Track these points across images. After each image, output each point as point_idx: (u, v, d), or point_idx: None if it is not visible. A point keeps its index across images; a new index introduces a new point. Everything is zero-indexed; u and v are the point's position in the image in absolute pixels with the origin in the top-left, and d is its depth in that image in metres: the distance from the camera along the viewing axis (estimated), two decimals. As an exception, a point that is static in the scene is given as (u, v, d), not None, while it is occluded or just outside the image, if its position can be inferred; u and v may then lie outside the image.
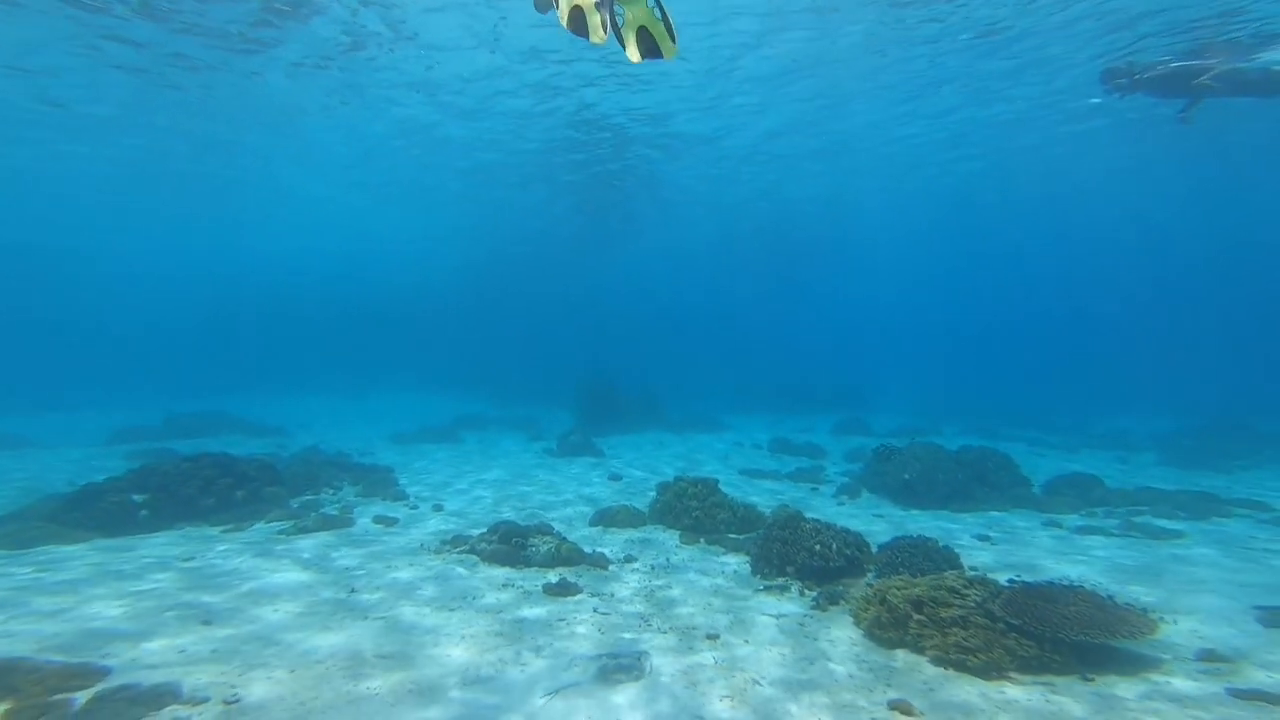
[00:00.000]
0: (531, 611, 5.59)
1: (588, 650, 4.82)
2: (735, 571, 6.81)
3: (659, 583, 6.42)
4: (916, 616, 4.91)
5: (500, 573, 6.61)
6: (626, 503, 9.51)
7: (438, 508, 9.57)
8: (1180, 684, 4.42)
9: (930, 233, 37.02)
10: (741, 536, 7.99)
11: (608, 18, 3.43)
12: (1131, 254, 43.33)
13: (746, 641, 5.05)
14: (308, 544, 7.54)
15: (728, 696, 4.18)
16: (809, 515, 7.13)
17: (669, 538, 8.14)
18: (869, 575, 6.33)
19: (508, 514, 8.99)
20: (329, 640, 4.92)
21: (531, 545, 6.96)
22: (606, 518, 8.82)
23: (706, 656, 4.76)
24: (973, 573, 5.93)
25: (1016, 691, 4.25)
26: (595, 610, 5.64)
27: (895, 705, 4.06)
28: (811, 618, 5.55)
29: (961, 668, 4.51)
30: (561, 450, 14.99)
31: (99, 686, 4.06)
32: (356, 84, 15.24)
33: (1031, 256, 47.34)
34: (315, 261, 47.49)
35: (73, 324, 55.82)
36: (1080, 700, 4.16)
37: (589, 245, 36.54)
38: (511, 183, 24.74)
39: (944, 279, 58.71)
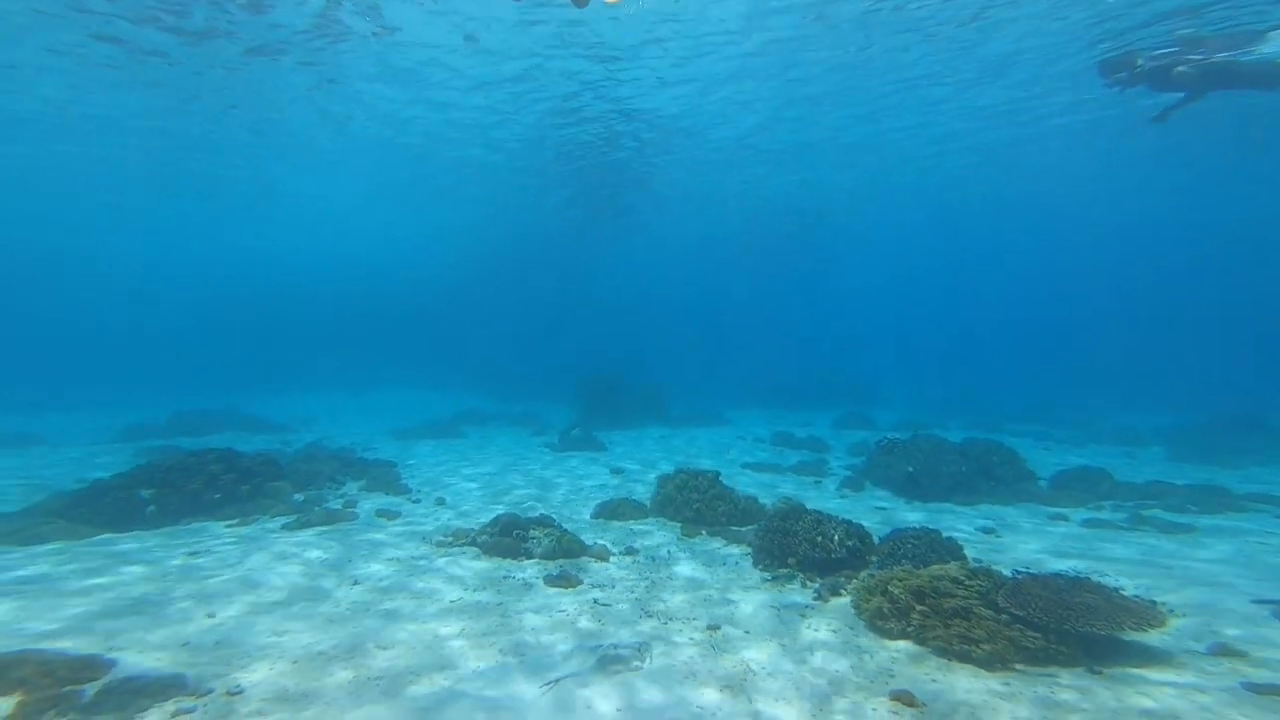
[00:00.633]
0: (532, 602, 5.58)
1: (588, 641, 4.81)
2: (737, 563, 6.79)
3: (660, 574, 6.41)
4: (919, 607, 4.87)
5: (501, 565, 6.61)
6: (628, 495, 9.51)
7: (440, 501, 9.58)
8: (1192, 677, 4.31)
9: (934, 228, 36.83)
10: (743, 528, 7.96)
11: None
12: (1136, 249, 43.04)
13: (748, 633, 5.03)
14: (311, 538, 7.56)
15: (728, 687, 4.16)
16: (811, 508, 7.10)
17: (670, 530, 8.12)
18: (871, 567, 6.28)
19: (508, 507, 8.97)
20: (331, 632, 4.93)
21: (532, 537, 6.95)
22: (608, 510, 8.81)
23: (707, 648, 4.74)
24: (976, 564, 5.90)
25: (1021, 683, 4.20)
26: (596, 601, 5.63)
27: (897, 696, 4.03)
28: (813, 609, 5.53)
29: (965, 659, 4.47)
30: (563, 445, 14.98)
31: (106, 679, 4.08)
32: (343, 78, 15.17)
33: (1031, 254, 47.11)
34: (317, 259, 47.62)
35: (79, 324, 56.17)
36: (1087, 693, 4.09)
37: (588, 241, 36.45)
38: (504, 179, 24.66)
39: (948, 274, 58.50)
